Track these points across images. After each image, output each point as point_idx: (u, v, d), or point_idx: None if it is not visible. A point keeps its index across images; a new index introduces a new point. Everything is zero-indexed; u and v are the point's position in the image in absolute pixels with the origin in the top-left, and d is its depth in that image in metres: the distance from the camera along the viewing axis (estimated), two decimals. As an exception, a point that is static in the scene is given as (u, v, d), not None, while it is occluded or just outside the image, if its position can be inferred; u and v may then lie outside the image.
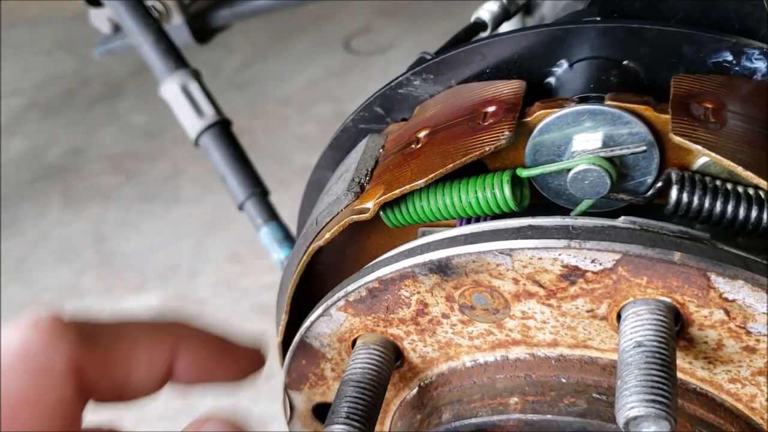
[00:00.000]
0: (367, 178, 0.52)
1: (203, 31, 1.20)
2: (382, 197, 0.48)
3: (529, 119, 0.47)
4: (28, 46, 3.56)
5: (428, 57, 0.57)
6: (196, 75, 0.97)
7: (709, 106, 0.45)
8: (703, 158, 0.45)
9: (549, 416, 0.43)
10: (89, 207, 2.52)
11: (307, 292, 0.59)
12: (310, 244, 0.54)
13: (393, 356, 0.49)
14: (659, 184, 0.46)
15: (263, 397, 1.82)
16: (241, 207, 0.94)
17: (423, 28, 3.09)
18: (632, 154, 0.45)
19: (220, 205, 2.43)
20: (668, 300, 0.41)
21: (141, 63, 3.17)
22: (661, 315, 0.40)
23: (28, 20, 3.77)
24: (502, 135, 0.45)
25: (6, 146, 2.89)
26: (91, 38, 3.43)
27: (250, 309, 2.05)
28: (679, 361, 0.43)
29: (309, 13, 3.41)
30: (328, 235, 0.51)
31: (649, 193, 0.46)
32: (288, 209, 1.15)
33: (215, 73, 2.98)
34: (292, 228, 0.97)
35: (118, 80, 3.20)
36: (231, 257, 2.22)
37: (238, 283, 2.13)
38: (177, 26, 1.14)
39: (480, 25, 0.63)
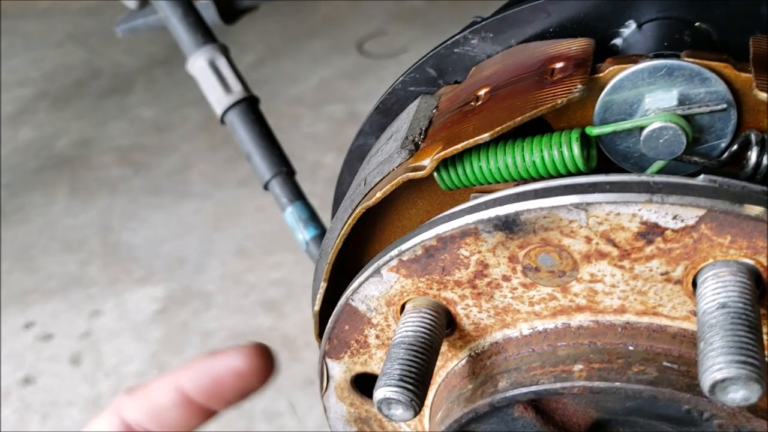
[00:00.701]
0: (422, 137, 0.50)
1: (230, 11, 1.18)
2: (442, 153, 0.46)
3: (600, 75, 0.44)
4: (39, 37, 3.55)
5: (480, 20, 0.55)
6: (225, 50, 0.95)
7: (792, 66, 0.43)
8: (783, 121, 0.43)
9: (617, 384, 0.41)
10: (96, 198, 2.50)
11: (344, 263, 0.57)
12: (357, 206, 0.51)
13: (445, 322, 0.47)
14: (735, 148, 0.44)
15: (268, 393, 1.80)
16: (266, 186, 0.91)
17: (437, 33, 3.07)
18: (711, 112, 0.43)
19: (229, 200, 2.41)
20: (751, 262, 0.39)
21: (151, 57, 3.16)
22: (744, 277, 0.38)
23: (40, 11, 3.76)
24: (575, 88, 0.43)
25: (14, 135, 2.87)
26: (102, 31, 3.42)
27: (257, 304, 2.02)
28: (758, 331, 0.41)
29: (323, 15, 3.41)
30: (379, 194, 0.49)
31: (724, 156, 0.44)
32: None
33: (227, 70, 2.96)
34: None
35: (129, 74, 3.19)
36: (238, 252, 2.20)
37: (245, 277, 2.11)
38: (204, 4, 1.12)
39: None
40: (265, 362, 0.47)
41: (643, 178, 0.40)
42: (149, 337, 1.98)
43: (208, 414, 0.47)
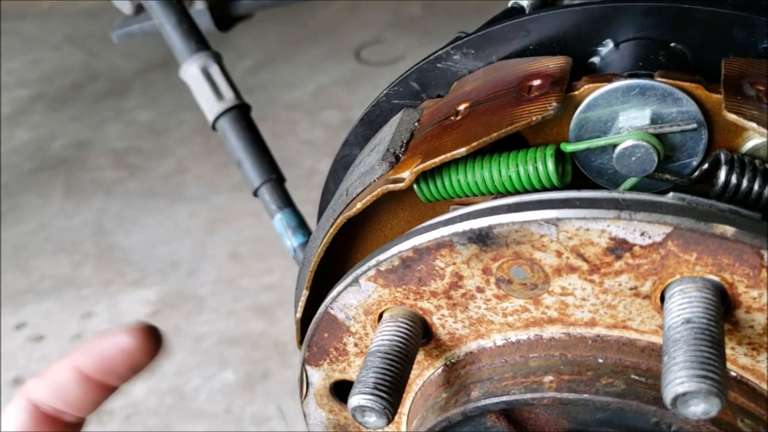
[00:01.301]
0: (403, 149, 0.51)
1: (225, 18, 1.19)
2: (421, 166, 0.47)
3: (576, 93, 0.46)
4: (38, 39, 3.56)
5: (464, 35, 0.56)
6: (218, 58, 0.96)
7: (762, 88, 0.44)
8: (752, 141, 0.44)
9: (585, 395, 0.42)
10: (91, 200, 2.51)
11: (327, 271, 0.58)
12: (339, 216, 0.52)
13: (421, 332, 0.48)
14: (705, 166, 0.45)
15: (257, 398, 1.80)
16: (255, 193, 0.92)
17: (434, 41, 3.09)
18: (682, 131, 0.44)
19: (223, 204, 2.42)
20: (716, 279, 0.40)
21: (149, 61, 3.16)
22: (709, 293, 0.39)
23: (39, 13, 3.77)
24: (550, 105, 0.44)
25: (11, 136, 2.88)
26: (100, 34, 3.43)
27: (249, 309, 2.03)
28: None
29: (321, 21, 3.42)
30: (359, 205, 0.50)
31: (695, 174, 0.45)
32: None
33: (225, 75, 2.97)
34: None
35: (126, 77, 3.20)
36: (232, 256, 2.20)
37: (238, 282, 2.11)
38: (199, 11, 1.13)
39: (517, 11, 0.63)
40: (151, 341, 0.51)
41: (613, 194, 0.41)
42: (141, 340, 1.98)
43: (107, 389, 0.52)
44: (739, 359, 0.42)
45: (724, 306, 0.40)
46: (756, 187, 0.43)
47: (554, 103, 0.44)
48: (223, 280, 2.13)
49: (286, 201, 0.91)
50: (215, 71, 0.94)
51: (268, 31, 3.26)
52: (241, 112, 0.94)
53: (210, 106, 0.93)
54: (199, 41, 0.95)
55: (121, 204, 2.48)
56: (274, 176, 0.92)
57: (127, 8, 1.19)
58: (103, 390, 0.52)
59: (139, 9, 1.19)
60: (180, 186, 2.53)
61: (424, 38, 3.16)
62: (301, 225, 0.90)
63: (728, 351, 0.42)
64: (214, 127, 0.94)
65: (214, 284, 2.13)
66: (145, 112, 2.95)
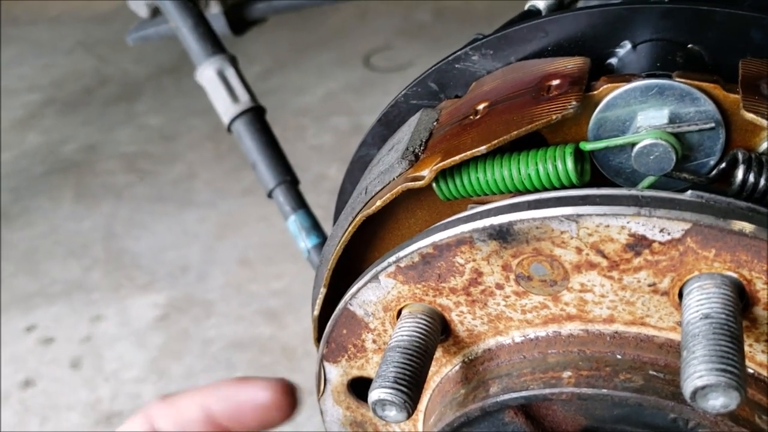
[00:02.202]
0: (422, 148, 0.51)
1: (240, 22, 1.20)
2: (441, 164, 0.47)
3: (594, 93, 0.46)
4: (49, 44, 3.59)
5: (482, 37, 0.56)
6: (233, 61, 0.97)
7: (779, 88, 0.45)
8: (769, 141, 0.45)
9: (604, 391, 0.42)
10: (101, 204, 2.52)
11: (344, 270, 0.58)
12: (358, 213, 0.53)
13: (440, 328, 0.48)
14: (723, 165, 0.45)
15: (267, 402, 1.80)
16: (270, 194, 0.93)
17: (442, 48, 3.10)
18: (699, 130, 0.44)
19: (232, 209, 2.43)
20: (734, 275, 0.40)
21: (160, 66, 3.19)
22: (727, 289, 0.39)
23: (51, 19, 3.80)
24: (569, 104, 0.44)
25: (22, 139, 2.90)
26: (111, 39, 3.45)
27: (258, 313, 2.04)
28: (740, 342, 0.42)
29: (330, 28, 3.44)
30: (379, 203, 0.51)
31: (713, 173, 0.46)
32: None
33: (234, 81, 2.99)
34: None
35: (137, 82, 3.22)
36: (241, 261, 2.21)
37: (247, 287, 2.12)
38: (215, 15, 1.15)
39: (533, 13, 0.63)
40: (288, 399, 0.50)
41: (632, 192, 0.41)
42: (149, 344, 1.99)
43: None
44: (756, 356, 0.43)
45: (742, 302, 0.41)
46: (774, 185, 0.43)
47: (574, 102, 0.45)
48: (232, 285, 2.14)
49: (300, 203, 0.91)
50: (231, 74, 0.95)
51: (278, 37, 3.28)
52: (256, 115, 0.94)
53: (225, 108, 0.94)
54: (215, 44, 0.96)
55: (130, 208, 2.49)
56: (289, 178, 0.93)
57: (142, 11, 1.20)
58: None
59: (155, 12, 1.20)
60: (189, 191, 2.55)
61: (433, 45, 3.17)
62: (314, 226, 0.90)
63: (746, 348, 0.42)
64: (229, 129, 0.95)
65: (222, 289, 2.13)
66: (155, 117, 2.97)
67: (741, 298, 0.41)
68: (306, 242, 0.90)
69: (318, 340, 0.58)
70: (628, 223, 0.40)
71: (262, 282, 2.14)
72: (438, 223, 0.46)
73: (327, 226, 0.97)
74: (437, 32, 3.28)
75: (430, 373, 0.51)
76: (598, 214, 0.40)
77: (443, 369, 0.51)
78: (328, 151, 2.62)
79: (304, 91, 3.01)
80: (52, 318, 2.11)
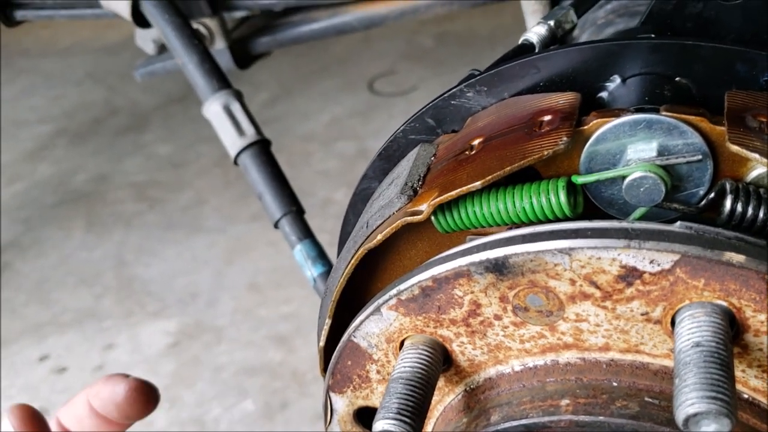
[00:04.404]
0: (420, 183, 0.53)
1: (245, 56, 1.23)
2: (438, 198, 0.49)
3: (585, 128, 0.48)
4: (59, 76, 3.65)
5: (477, 73, 0.58)
6: (239, 96, 0.99)
7: (764, 119, 0.46)
8: (756, 170, 0.46)
9: (601, 418, 0.43)
10: (112, 232, 2.55)
11: (348, 301, 0.60)
12: (359, 247, 0.55)
13: (441, 358, 0.49)
14: (712, 195, 0.47)
15: (277, 427, 1.81)
16: (276, 225, 0.95)
17: (446, 72, 3.14)
18: (687, 162, 0.46)
19: (241, 235, 2.45)
20: (724, 304, 0.41)
21: (168, 96, 3.22)
22: (717, 318, 0.41)
23: (61, 50, 3.87)
24: (560, 140, 0.46)
25: (33, 170, 2.94)
26: (120, 70, 3.51)
27: (267, 338, 2.05)
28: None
29: (335, 54, 3.48)
30: (380, 237, 0.52)
31: (702, 203, 0.47)
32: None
33: (241, 108, 3.03)
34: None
35: (145, 111, 3.26)
36: (250, 286, 2.23)
37: (256, 312, 2.14)
38: (219, 50, 1.17)
39: (527, 47, 0.65)
40: (141, 396, 0.60)
41: (623, 224, 0.43)
42: (161, 371, 2.01)
43: (115, 426, 0.61)
44: (750, 381, 0.44)
45: (733, 330, 0.42)
46: (761, 214, 0.45)
47: (564, 138, 0.46)
48: (242, 311, 2.15)
49: (306, 232, 0.93)
50: (236, 108, 0.98)
51: (283, 64, 3.32)
52: (261, 147, 0.97)
53: (232, 142, 0.96)
54: (220, 80, 0.99)
55: (140, 236, 2.52)
56: (294, 208, 0.94)
57: (150, 48, 1.23)
58: (112, 426, 0.60)
59: (161, 49, 1.23)
60: (198, 218, 2.57)
61: (436, 69, 3.20)
62: (320, 255, 0.92)
63: (739, 373, 0.44)
64: (236, 162, 0.97)
65: (232, 314, 2.15)
66: (164, 146, 3.01)
67: (732, 325, 0.42)
68: (312, 271, 0.91)
69: (324, 370, 0.59)
70: (618, 255, 0.41)
71: (272, 307, 2.15)
72: (436, 257, 0.48)
73: (333, 251, 0.98)
74: (440, 56, 3.31)
75: (433, 402, 0.53)
76: (589, 247, 0.42)
77: (446, 398, 0.52)
78: (334, 176, 2.65)
79: (309, 116, 3.05)
80: (65, 347, 2.12)
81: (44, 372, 2.06)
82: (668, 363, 0.45)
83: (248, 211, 2.52)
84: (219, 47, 1.16)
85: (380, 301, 0.49)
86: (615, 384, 0.45)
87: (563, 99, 0.50)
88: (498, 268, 0.44)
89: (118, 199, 2.72)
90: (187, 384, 1.96)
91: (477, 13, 3.35)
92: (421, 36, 3.51)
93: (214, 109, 0.98)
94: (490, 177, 0.47)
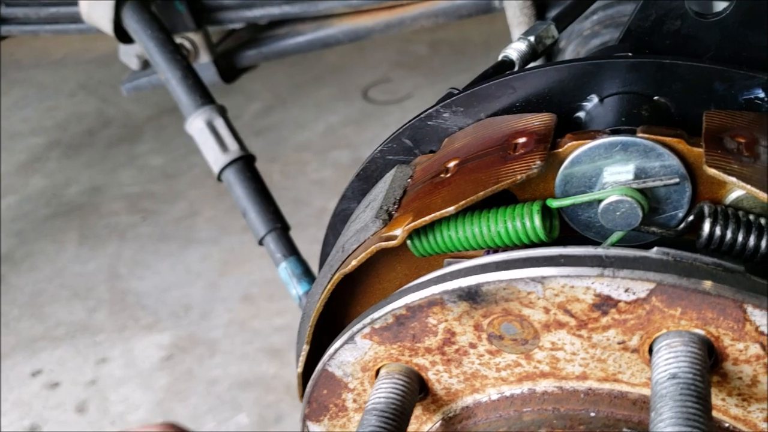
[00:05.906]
0: (396, 207, 0.52)
1: (230, 70, 1.22)
2: (412, 224, 0.48)
3: (560, 150, 0.47)
4: (52, 87, 3.64)
5: (456, 92, 0.57)
6: (222, 111, 0.98)
7: (742, 140, 0.45)
8: (735, 192, 0.45)
9: (578, 450, 0.42)
10: (105, 245, 2.53)
11: (329, 324, 0.59)
12: (335, 272, 0.53)
13: (417, 387, 0.48)
14: (691, 218, 0.46)
15: (271, 441, 1.80)
16: (261, 242, 0.94)
17: (440, 80, 3.13)
18: (665, 185, 0.45)
19: (235, 246, 2.43)
20: (702, 332, 0.40)
21: (160, 107, 3.21)
22: (695, 347, 0.40)
23: (53, 62, 3.85)
24: (534, 164, 0.45)
25: (26, 183, 2.92)
26: (113, 81, 3.50)
27: (261, 351, 2.03)
28: (712, 398, 0.42)
29: (328, 63, 3.47)
30: (354, 262, 0.51)
31: (681, 226, 0.46)
32: (304, 251, 1.15)
33: (235, 119, 2.98)
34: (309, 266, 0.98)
35: (138, 123, 3.25)
36: (244, 298, 2.21)
37: (250, 324, 2.12)
38: (204, 64, 1.16)
39: (507, 64, 0.64)
40: None
41: (597, 251, 0.42)
42: (155, 385, 1.99)
43: None
44: (730, 410, 0.43)
45: (711, 358, 0.41)
46: (740, 238, 0.44)
47: (538, 162, 0.45)
48: (236, 323, 2.14)
49: (290, 249, 0.92)
50: (220, 124, 0.97)
51: (277, 73, 3.31)
52: (245, 163, 0.95)
53: (215, 158, 0.95)
54: (203, 95, 0.98)
55: (134, 249, 2.50)
56: (279, 225, 0.93)
57: (134, 64, 1.22)
58: None
59: (146, 64, 1.22)
60: (191, 229, 2.56)
61: (430, 76, 3.19)
62: (305, 273, 0.91)
63: (719, 402, 0.42)
64: (219, 179, 0.96)
65: (226, 327, 2.13)
66: (156, 157, 2.99)
67: (710, 354, 0.41)
68: (297, 289, 0.90)
69: (302, 396, 0.58)
70: (592, 283, 0.40)
71: (265, 319, 2.14)
72: (409, 284, 0.47)
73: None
74: (434, 64, 3.30)
75: (410, 430, 0.51)
76: (562, 276, 0.41)
77: (424, 427, 0.51)
78: (329, 185, 2.64)
79: (304, 126, 3.03)
80: (57, 361, 2.11)
81: (37, 387, 2.04)
82: (647, 392, 0.43)
83: (241, 222, 2.49)
84: (204, 61, 1.15)
85: (354, 329, 0.48)
86: (593, 414, 0.44)
87: (538, 120, 0.49)
88: (471, 296, 0.43)
89: (111, 211, 2.71)
90: (181, 398, 1.95)
91: (470, 21, 3.34)
92: (414, 44, 3.50)
93: (197, 125, 0.97)
94: (464, 201, 0.46)
